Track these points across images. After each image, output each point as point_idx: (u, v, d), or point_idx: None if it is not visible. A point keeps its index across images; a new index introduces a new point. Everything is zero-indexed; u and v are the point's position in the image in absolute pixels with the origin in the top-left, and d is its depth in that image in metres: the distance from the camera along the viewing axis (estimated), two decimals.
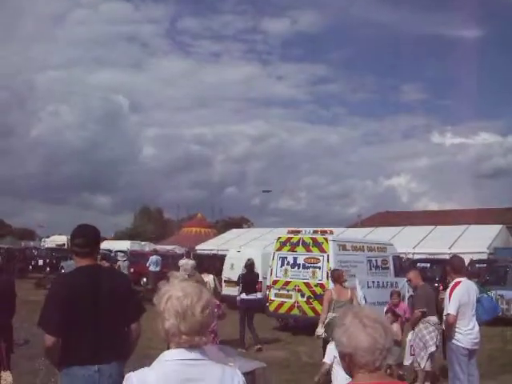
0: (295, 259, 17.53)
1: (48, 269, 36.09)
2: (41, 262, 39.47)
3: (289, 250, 17.78)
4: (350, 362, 2.66)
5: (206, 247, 41.27)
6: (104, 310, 4.59)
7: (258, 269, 17.88)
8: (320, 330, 10.97)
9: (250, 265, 16.43)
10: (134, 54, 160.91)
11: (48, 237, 71.66)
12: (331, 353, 8.67)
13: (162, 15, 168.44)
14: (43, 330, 4.47)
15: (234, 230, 49.55)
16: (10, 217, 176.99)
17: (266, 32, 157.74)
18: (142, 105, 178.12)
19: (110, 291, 4.67)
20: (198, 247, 41.07)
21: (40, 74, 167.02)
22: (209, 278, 15.85)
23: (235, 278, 19.00)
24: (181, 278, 2.60)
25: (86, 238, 4.85)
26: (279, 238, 18.50)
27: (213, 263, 28.95)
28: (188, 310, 2.70)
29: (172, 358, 2.71)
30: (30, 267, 38.44)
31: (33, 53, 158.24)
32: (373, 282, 16.28)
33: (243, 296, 15.82)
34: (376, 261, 18.97)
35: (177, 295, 2.74)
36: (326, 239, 17.28)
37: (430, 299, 10.80)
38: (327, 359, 9.19)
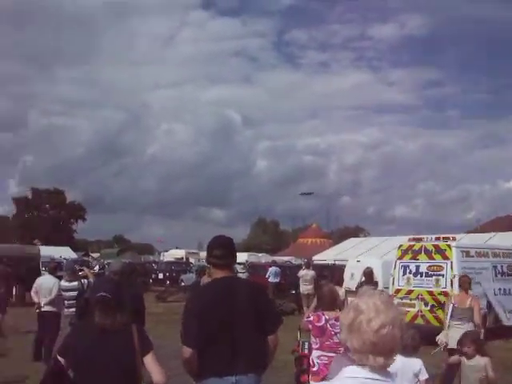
0: (417, 267, 17.05)
1: (168, 282, 36.81)
2: (161, 276, 40.36)
3: (411, 258, 17.33)
4: None
5: (323, 258, 40.91)
6: (241, 322, 4.52)
7: (379, 278, 17.57)
8: (441, 337, 10.61)
9: (368, 273, 16.18)
10: (242, 68, 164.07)
11: (166, 251, 73.23)
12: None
13: (268, 29, 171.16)
14: (182, 342, 4.48)
15: (351, 240, 48.84)
16: (129, 232, 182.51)
17: (373, 38, 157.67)
18: (253, 118, 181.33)
19: (247, 302, 4.61)
20: (314, 257, 40.77)
21: (153, 94, 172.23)
22: (341, 292, 15.54)
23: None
24: (369, 292, 2.40)
25: (224, 249, 4.79)
26: (400, 245, 18.08)
27: (332, 274, 28.76)
28: (361, 326, 2.48)
29: (351, 375, 2.51)
30: (151, 281, 39.26)
31: (145, 73, 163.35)
32: (499, 289, 15.68)
33: None
34: (502, 267, 18.20)
35: (357, 307, 2.55)
36: (448, 246, 16.73)
37: None
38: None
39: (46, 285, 13.09)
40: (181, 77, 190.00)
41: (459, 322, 10.85)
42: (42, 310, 12.93)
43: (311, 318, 6.98)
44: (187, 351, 4.42)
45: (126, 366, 4.16)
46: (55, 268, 14.64)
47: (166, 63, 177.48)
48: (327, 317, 6.92)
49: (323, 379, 6.48)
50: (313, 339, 6.96)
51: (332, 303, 7.19)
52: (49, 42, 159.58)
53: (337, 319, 6.91)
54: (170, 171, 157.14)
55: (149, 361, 4.27)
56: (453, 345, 9.76)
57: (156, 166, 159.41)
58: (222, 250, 4.76)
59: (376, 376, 2.47)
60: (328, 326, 6.87)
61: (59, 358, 4.23)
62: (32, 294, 13.49)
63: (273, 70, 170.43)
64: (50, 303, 12.92)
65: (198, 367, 4.48)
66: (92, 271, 14.91)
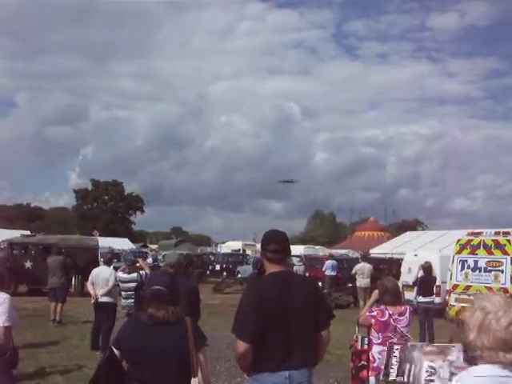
0: (476, 262, 16.75)
1: (225, 273, 37.02)
2: (218, 267, 40.64)
3: (469, 253, 17.02)
4: None
5: (380, 251, 40.62)
6: (295, 317, 4.50)
7: (437, 272, 17.37)
8: None
9: (427, 267, 16.10)
10: (301, 60, 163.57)
11: (223, 242, 73.65)
12: None
13: (327, 20, 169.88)
14: (236, 336, 4.45)
15: (408, 233, 48.32)
16: (187, 224, 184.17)
17: (433, 28, 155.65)
18: (312, 110, 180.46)
19: (302, 297, 4.58)
20: (371, 251, 40.54)
21: (213, 86, 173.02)
22: None
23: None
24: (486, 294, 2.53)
25: (280, 244, 4.77)
26: (459, 240, 17.77)
27: (389, 267, 28.54)
28: (491, 325, 2.58)
29: (481, 374, 2.57)
30: (208, 272, 39.55)
31: (204, 66, 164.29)
32: None
33: (420, 299, 15.67)
34: None
35: (483, 307, 2.65)
36: (508, 241, 16.37)
37: None
38: None
39: (102, 275, 13.27)
40: (239, 69, 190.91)
41: None
42: (99, 300, 13.10)
43: (374, 313, 6.92)
44: (242, 345, 4.39)
45: (179, 358, 4.19)
46: (111, 259, 14.86)
47: (224, 56, 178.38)
48: (390, 312, 6.85)
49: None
50: (374, 334, 6.88)
51: (396, 298, 7.11)
52: (108, 36, 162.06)
53: (400, 314, 6.87)
54: (228, 163, 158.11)
55: (200, 357, 4.30)
56: None
57: (215, 158, 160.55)
58: (277, 244, 4.74)
59: (508, 373, 2.53)
60: (391, 320, 6.81)
61: (114, 348, 4.29)
62: (88, 285, 13.69)
63: (332, 61, 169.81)
64: (106, 294, 13.12)
65: (251, 361, 4.47)
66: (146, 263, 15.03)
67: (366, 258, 26.80)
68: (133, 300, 11.20)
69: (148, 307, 4.31)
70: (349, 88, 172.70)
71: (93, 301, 13.28)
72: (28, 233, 36.26)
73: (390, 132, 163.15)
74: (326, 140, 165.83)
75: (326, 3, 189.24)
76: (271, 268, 4.73)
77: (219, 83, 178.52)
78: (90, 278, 13.55)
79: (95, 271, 13.62)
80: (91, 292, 13.33)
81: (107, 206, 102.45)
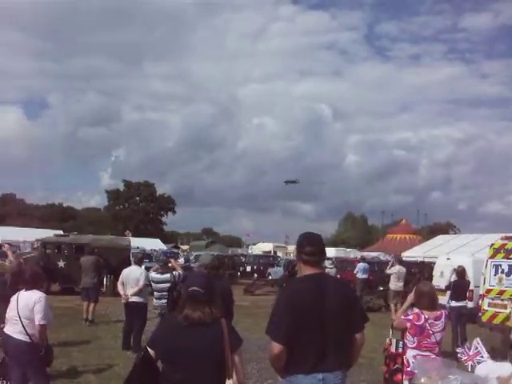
0: (510, 267, 16.57)
1: (255, 275, 36.98)
2: (248, 269, 40.62)
3: (503, 257, 16.83)
4: None
5: (412, 254, 40.37)
6: (330, 319, 4.48)
7: (470, 277, 17.19)
8: None
9: (461, 271, 15.94)
10: (333, 62, 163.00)
11: (254, 244, 73.69)
12: None
13: (359, 21, 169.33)
14: (271, 337, 4.44)
15: (441, 236, 47.89)
16: (218, 225, 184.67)
17: (466, 29, 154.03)
18: (344, 112, 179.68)
19: (337, 300, 4.56)
20: (403, 254, 40.29)
21: (244, 88, 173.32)
22: None
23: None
24: None
25: (316, 246, 4.76)
26: (492, 244, 17.59)
27: (421, 271, 28.32)
28: None
29: None
30: (239, 273, 39.59)
31: (236, 68, 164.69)
32: None
33: (453, 303, 15.45)
34: None
35: None
36: None
37: None
38: None
39: (133, 275, 13.29)
40: (271, 71, 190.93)
41: None
42: (129, 300, 13.16)
43: (410, 317, 6.87)
44: (277, 347, 4.38)
45: (214, 359, 4.18)
46: (142, 259, 14.93)
47: (256, 57, 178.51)
48: (426, 316, 6.80)
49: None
50: (409, 338, 6.83)
51: (433, 303, 7.05)
52: (141, 38, 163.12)
53: (436, 318, 6.80)
54: (259, 165, 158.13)
55: (235, 359, 4.29)
56: None
57: (246, 159, 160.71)
58: (313, 247, 4.72)
59: None
60: (427, 325, 6.76)
61: (149, 348, 4.30)
62: (118, 284, 13.69)
63: (363, 62, 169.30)
64: (136, 293, 13.14)
65: (285, 363, 4.46)
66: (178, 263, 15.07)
67: (401, 261, 26.63)
68: (166, 300, 11.23)
69: (184, 308, 4.31)
70: (380, 90, 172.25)
71: (123, 301, 13.36)
72: (61, 232, 36.61)
73: (422, 135, 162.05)
74: (358, 142, 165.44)
75: (357, 5, 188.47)
76: (307, 270, 4.71)
77: (251, 85, 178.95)
78: (120, 277, 13.62)
79: (125, 271, 13.66)
80: (121, 292, 13.39)
81: (139, 206, 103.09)
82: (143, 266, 14.28)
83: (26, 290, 7.46)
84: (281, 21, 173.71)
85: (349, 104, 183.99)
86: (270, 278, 34.38)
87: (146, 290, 13.33)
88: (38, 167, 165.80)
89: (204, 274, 5.79)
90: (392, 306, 21.97)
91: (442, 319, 6.84)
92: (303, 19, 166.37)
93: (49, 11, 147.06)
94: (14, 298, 7.49)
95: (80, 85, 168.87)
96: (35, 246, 33.19)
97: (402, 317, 7.02)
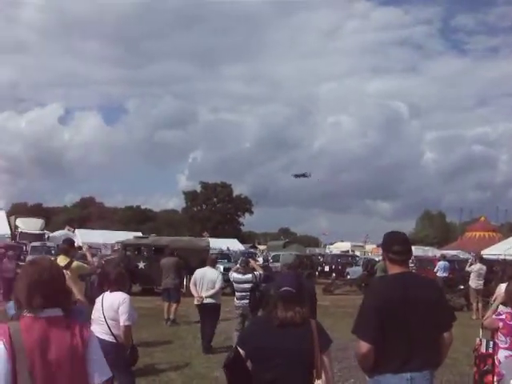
0: None
1: (334, 275, 36.84)
2: (327, 268, 40.50)
3: None
4: None
5: (492, 252, 39.49)
6: (417, 318, 4.45)
7: None
8: None
9: None
10: (407, 57, 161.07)
11: (332, 243, 73.41)
12: None
13: (433, 15, 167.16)
14: (358, 337, 4.44)
15: None
16: (295, 225, 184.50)
17: None
18: (420, 108, 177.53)
19: (424, 298, 4.52)
20: (483, 252, 39.45)
21: (319, 87, 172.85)
22: None
23: None
24: None
25: (402, 245, 4.75)
26: None
27: (503, 269, 27.66)
28: None
29: None
30: (317, 273, 39.50)
31: (311, 67, 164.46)
32: None
33: None
34: None
35: None
36: None
37: None
38: None
39: (208, 277, 13.18)
40: (346, 68, 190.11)
41: None
42: (204, 302, 13.03)
43: (503, 316, 6.71)
44: (364, 346, 4.37)
45: (304, 360, 4.16)
46: (215, 260, 14.79)
47: (331, 55, 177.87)
48: None
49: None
50: (501, 338, 6.67)
51: None
52: (216, 40, 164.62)
53: None
54: (335, 164, 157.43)
55: (324, 359, 4.27)
56: None
57: (323, 158, 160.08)
58: (400, 245, 4.71)
59: None
60: None
61: (239, 348, 4.32)
62: (191, 285, 13.56)
63: (439, 57, 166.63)
64: (212, 296, 13.04)
65: (373, 363, 4.44)
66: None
67: (483, 259, 26.08)
68: (247, 301, 11.29)
69: (275, 308, 4.31)
70: (457, 84, 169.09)
71: (196, 302, 13.25)
72: (140, 234, 37.24)
73: (502, 129, 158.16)
74: (435, 138, 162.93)
75: None
76: (394, 269, 4.70)
77: (326, 83, 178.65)
78: (192, 278, 13.49)
79: (199, 272, 13.49)
80: (194, 293, 13.26)
81: (216, 207, 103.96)
82: (220, 268, 14.26)
83: (111, 291, 7.61)
84: (355, 18, 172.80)
85: (425, 100, 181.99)
86: (349, 277, 34.24)
87: (220, 291, 13.35)
88: (117, 171, 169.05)
89: (293, 274, 5.78)
90: (474, 304, 21.56)
91: None
92: (376, 15, 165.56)
93: (125, 19, 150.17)
94: (98, 299, 7.65)
95: (156, 90, 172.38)
96: (115, 248, 33.87)
97: (494, 316, 6.87)
